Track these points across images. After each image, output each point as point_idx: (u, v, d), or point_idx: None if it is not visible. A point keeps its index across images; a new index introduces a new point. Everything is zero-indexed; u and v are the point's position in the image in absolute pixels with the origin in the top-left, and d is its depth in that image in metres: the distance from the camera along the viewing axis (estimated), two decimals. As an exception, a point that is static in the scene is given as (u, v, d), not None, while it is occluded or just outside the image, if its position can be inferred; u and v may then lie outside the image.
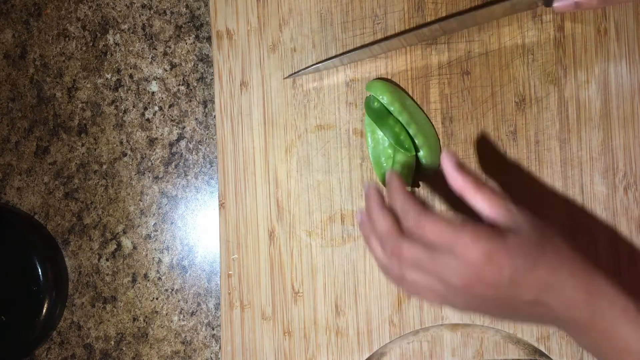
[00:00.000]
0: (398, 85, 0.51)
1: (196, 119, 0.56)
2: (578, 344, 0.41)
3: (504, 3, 0.45)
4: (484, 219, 0.39)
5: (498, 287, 0.38)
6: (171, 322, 0.55)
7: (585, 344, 0.40)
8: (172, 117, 0.56)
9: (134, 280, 0.56)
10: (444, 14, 0.51)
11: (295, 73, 0.51)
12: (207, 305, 0.55)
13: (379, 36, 0.51)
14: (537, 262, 0.38)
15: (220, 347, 0.53)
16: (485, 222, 0.39)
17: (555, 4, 0.41)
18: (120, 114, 0.56)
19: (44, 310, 0.55)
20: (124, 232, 0.56)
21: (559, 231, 0.41)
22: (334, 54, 0.51)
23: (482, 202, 0.39)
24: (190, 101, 0.56)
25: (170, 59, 0.56)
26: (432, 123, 0.51)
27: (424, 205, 0.39)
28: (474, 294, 0.38)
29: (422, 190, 0.51)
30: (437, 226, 0.38)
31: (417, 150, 0.49)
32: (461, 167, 0.40)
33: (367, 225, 0.42)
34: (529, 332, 0.49)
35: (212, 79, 0.55)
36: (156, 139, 0.56)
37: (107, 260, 0.56)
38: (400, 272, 0.39)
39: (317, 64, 0.51)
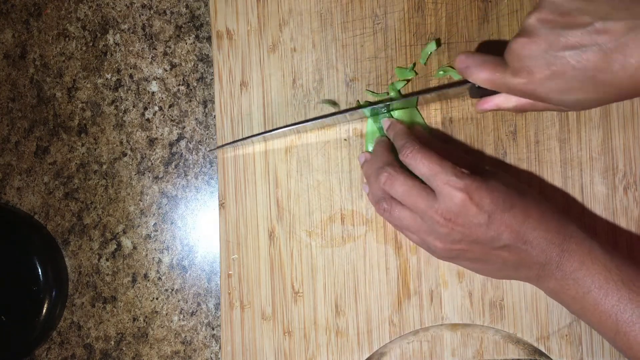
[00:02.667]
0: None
1: (196, 119, 0.56)
2: (546, 291, 0.44)
3: (432, 94, 0.48)
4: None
5: (478, 226, 0.42)
6: (171, 322, 0.55)
7: (552, 288, 0.43)
8: (172, 117, 0.56)
9: (134, 280, 0.56)
10: (443, 14, 0.51)
11: (228, 144, 0.51)
12: (207, 305, 0.55)
13: (379, 36, 0.51)
14: (514, 203, 0.42)
15: (220, 347, 0.54)
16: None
17: (477, 107, 0.46)
18: (120, 114, 0.56)
19: (44, 310, 0.55)
20: (124, 232, 0.56)
21: (531, 189, 0.46)
22: (334, 54, 0.51)
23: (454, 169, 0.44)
24: (190, 101, 0.56)
25: (170, 59, 0.56)
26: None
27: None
28: (453, 235, 0.42)
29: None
30: (428, 158, 0.42)
31: None
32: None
33: (369, 163, 0.48)
34: (529, 332, 0.49)
35: (212, 79, 0.56)
36: (156, 139, 0.56)
37: (107, 260, 0.56)
38: (390, 205, 0.44)
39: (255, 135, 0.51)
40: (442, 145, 0.49)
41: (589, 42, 0.38)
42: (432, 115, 0.51)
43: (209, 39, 0.56)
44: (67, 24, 0.57)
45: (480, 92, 0.45)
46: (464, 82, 0.46)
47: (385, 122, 0.49)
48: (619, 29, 0.37)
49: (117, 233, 0.56)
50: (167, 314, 0.55)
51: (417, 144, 0.44)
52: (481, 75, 0.43)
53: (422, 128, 0.50)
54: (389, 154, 0.47)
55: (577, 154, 0.49)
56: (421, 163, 0.43)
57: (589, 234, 0.43)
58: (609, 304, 0.41)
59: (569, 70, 0.39)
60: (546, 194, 0.49)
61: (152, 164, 0.56)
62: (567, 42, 0.38)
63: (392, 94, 0.50)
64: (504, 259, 0.43)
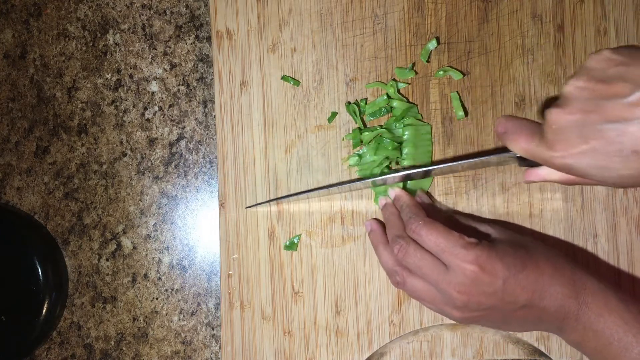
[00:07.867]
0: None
1: (196, 119, 0.56)
2: (568, 342, 0.44)
3: (476, 161, 0.45)
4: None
5: (494, 293, 0.41)
6: (171, 322, 0.55)
7: (574, 340, 0.43)
8: (172, 117, 0.56)
9: (134, 280, 0.56)
10: (443, 14, 0.51)
11: (256, 204, 0.51)
12: (207, 305, 0.55)
13: (379, 36, 0.51)
14: (525, 263, 0.41)
15: (220, 347, 0.53)
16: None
17: (524, 178, 0.44)
18: (120, 114, 0.56)
19: (44, 310, 0.54)
20: (124, 232, 0.56)
21: (535, 240, 0.45)
22: (334, 54, 0.51)
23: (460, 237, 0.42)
24: (190, 101, 0.56)
25: (170, 59, 0.56)
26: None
27: (426, 216, 0.43)
28: (470, 305, 0.41)
29: (422, 190, 0.51)
30: (434, 233, 0.41)
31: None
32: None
33: (376, 233, 0.47)
34: (528, 332, 0.49)
35: (212, 79, 0.55)
36: (156, 139, 0.56)
37: (107, 260, 0.56)
38: (403, 277, 0.44)
39: (280, 198, 0.51)
40: (446, 213, 0.49)
41: (630, 116, 0.34)
42: (432, 115, 0.51)
43: (209, 39, 0.56)
44: (67, 24, 0.57)
45: (527, 162, 0.42)
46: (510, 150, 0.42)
47: (391, 193, 0.48)
48: None
49: (117, 233, 0.56)
50: (167, 314, 0.55)
51: (422, 218, 0.43)
52: (517, 144, 0.40)
53: (426, 195, 0.49)
54: (400, 223, 0.45)
55: (577, 154, 0.49)
56: (427, 238, 0.41)
57: (600, 280, 0.42)
58: (629, 357, 0.40)
59: (607, 146, 0.35)
60: (545, 195, 0.49)
61: (152, 164, 0.56)
62: (605, 114, 0.35)
63: (391, 91, 0.50)
64: (524, 317, 0.42)
